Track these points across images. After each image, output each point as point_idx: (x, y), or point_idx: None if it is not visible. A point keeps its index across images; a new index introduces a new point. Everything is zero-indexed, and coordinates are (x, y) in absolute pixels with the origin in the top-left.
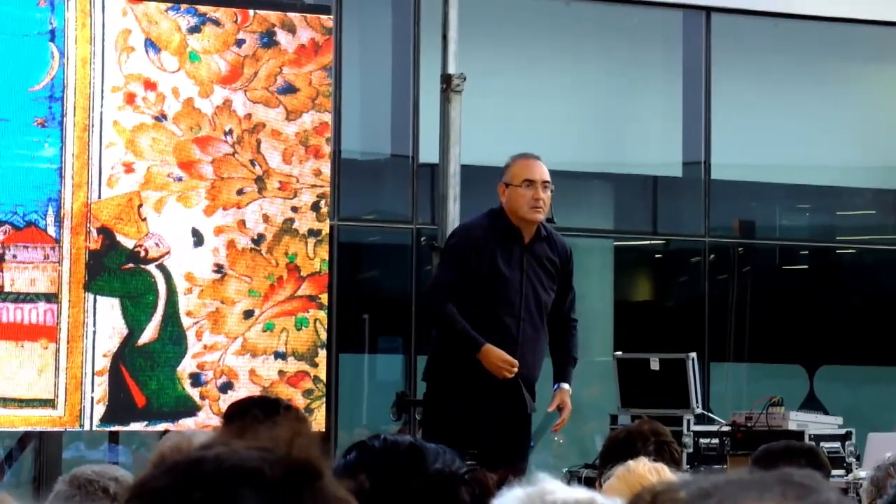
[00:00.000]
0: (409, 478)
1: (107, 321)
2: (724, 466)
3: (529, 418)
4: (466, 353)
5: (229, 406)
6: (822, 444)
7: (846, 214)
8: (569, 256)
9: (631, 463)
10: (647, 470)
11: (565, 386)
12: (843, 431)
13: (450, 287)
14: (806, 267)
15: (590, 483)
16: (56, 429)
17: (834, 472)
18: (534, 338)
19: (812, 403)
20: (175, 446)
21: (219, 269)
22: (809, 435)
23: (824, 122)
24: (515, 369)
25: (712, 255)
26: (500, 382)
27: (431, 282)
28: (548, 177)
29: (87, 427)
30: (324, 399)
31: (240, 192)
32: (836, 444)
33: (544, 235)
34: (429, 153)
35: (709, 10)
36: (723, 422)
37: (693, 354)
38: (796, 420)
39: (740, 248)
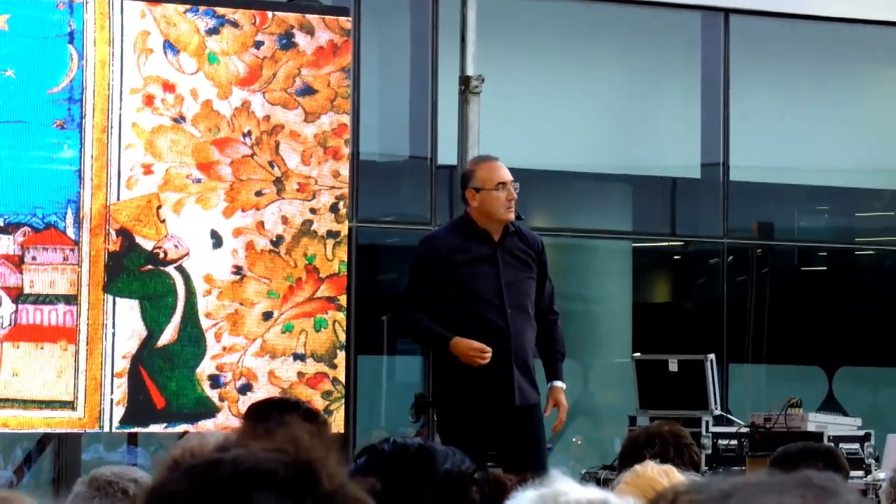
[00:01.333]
0: (419, 479)
1: (126, 323)
2: (743, 468)
3: (532, 411)
4: (439, 351)
5: (250, 406)
6: (840, 445)
7: (865, 216)
8: (541, 248)
9: (638, 467)
10: (656, 473)
11: (558, 384)
12: (861, 433)
13: (416, 296)
14: (825, 268)
15: (608, 485)
16: (75, 430)
17: (853, 473)
18: (525, 327)
19: (831, 405)
20: (188, 450)
21: (238, 270)
22: (828, 436)
23: (843, 123)
24: (488, 355)
25: (731, 257)
26: (490, 374)
27: (400, 295)
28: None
29: (106, 429)
30: (343, 401)
31: (258, 193)
32: (855, 446)
33: (512, 231)
34: (447, 155)
35: (727, 11)
36: (741, 423)
37: (712, 356)
38: (815, 421)
39: (759, 250)
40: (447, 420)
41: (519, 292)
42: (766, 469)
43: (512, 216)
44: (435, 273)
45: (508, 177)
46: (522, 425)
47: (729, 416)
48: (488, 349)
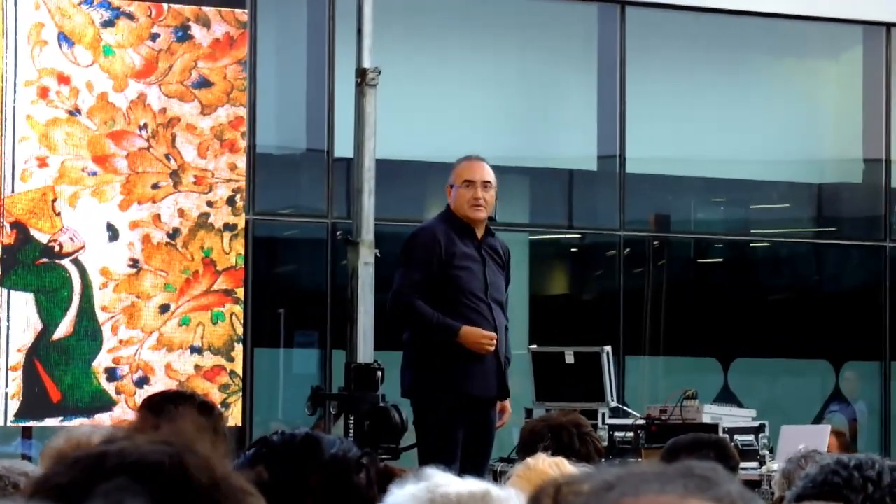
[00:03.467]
0: (305, 466)
1: (21, 316)
2: (639, 460)
3: (495, 405)
4: (445, 340)
5: (144, 399)
6: (735, 436)
7: (761, 208)
8: (509, 256)
9: (530, 460)
10: (547, 465)
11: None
12: (756, 424)
13: (416, 285)
14: (721, 260)
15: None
16: None
17: (747, 464)
18: (503, 323)
19: (726, 396)
20: (74, 442)
21: (134, 263)
22: (723, 428)
23: (739, 115)
24: (495, 341)
25: (627, 249)
26: (479, 365)
27: (395, 284)
28: (489, 177)
29: (0, 422)
30: (240, 393)
31: (155, 186)
32: (750, 437)
33: (491, 232)
34: (344, 147)
35: (623, 3)
36: (637, 415)
37: (608, 348)
38: (710, 413)
39: (655, 242)
40: (430, 411)
41: (499, 290)
42: (656, 461)
43: (478, 214)
44: (431, 263)
45: (479, 176)
46: (488, 416)
47: (625, 408)
48: (495, 335)
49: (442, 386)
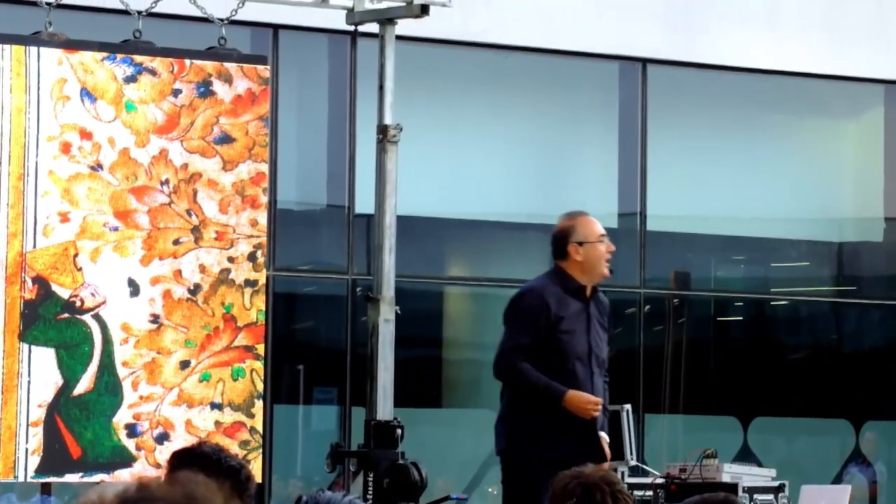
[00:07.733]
0: None
1: (42, 371)
2: None
3: None
4: (550, 404)
5: (174, 455)
6: (755, 495)
7: (781, 266)
8: (609, 310)
9: None
10: None
11: (603, 434)
12: (776, 483)
13: (522, 349)
14: (741, 318)
15: None
16: None
17: None
18: (602, 389)
19: (746, 455)
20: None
21: (155, 319)
22: (743, 487)
23: (760, 173)
24: (600, 406)
25: (648, 306)
26: (576, 431)
27: (502, 345)
28: None
29: (21, 478)
30: (260, 450)
31: (176, 241)
32: (770, 497)
33: (596, 289)
34: (365, 203)
35: (644, 61)
36: (657, 474)
37: (628, 406)
38: (730, 472)
39: (676, 300)
40: (523, 469)
41: (600, 351)
42: None
43: (608, 272)
44: (539, 327)
45: (604, 231)
46: None
47: (645, 466)
48: (601, 400)
49: (536, 450)
